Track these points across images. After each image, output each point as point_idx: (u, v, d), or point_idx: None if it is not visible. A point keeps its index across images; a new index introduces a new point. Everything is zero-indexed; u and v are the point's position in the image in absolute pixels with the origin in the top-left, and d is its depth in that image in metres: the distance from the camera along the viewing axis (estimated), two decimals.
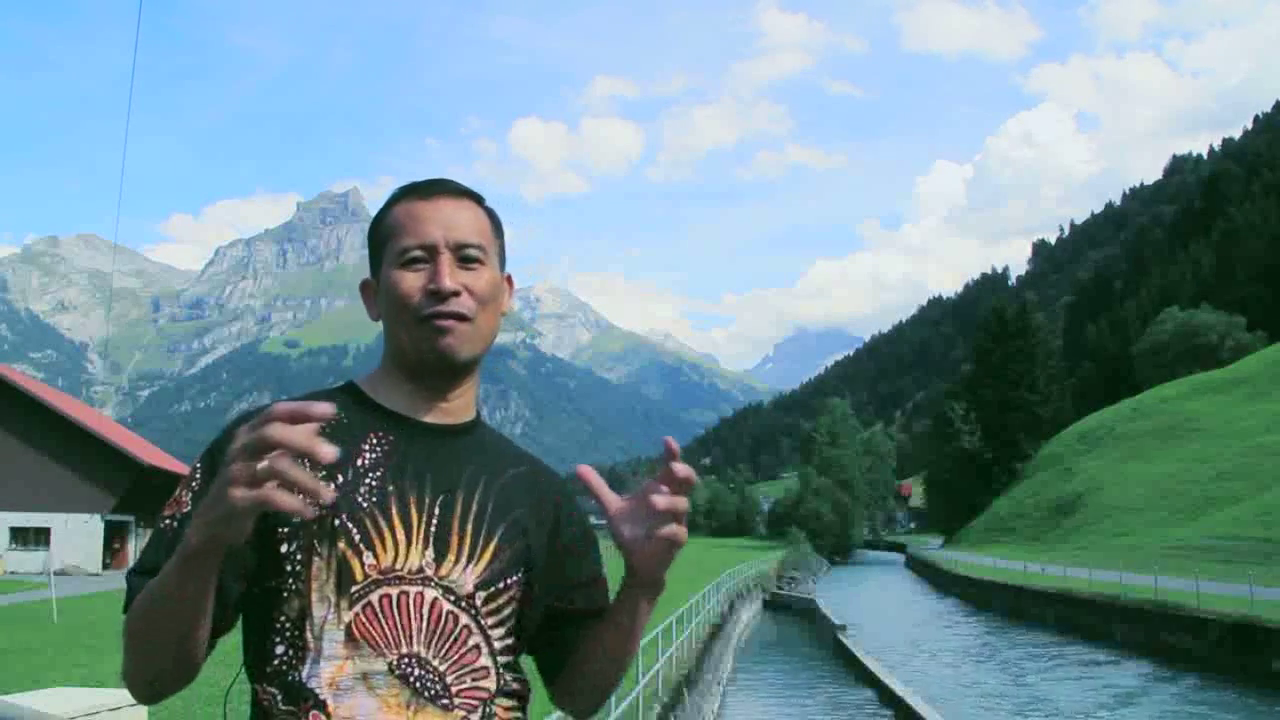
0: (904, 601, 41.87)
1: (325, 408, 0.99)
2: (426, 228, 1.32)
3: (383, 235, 1.36)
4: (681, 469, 1.18)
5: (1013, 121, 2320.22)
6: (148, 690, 1.22)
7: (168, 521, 1.26)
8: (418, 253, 1.31)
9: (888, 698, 16.95)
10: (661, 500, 1.19)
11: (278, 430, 0.96)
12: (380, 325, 1.38)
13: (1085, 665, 21.97)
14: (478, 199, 1.40)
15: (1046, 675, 20.88)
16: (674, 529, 1.20)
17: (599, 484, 1.25)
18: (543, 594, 1.37)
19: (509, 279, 1.44)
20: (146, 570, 1.22)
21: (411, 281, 1.31)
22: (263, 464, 0.97)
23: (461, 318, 1.31)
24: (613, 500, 1.24)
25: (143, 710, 6.88)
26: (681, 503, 1.19)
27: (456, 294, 1.30)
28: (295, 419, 0.98)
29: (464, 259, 1.33)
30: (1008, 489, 66.64)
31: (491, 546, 1.30)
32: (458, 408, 1.37)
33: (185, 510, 1.25)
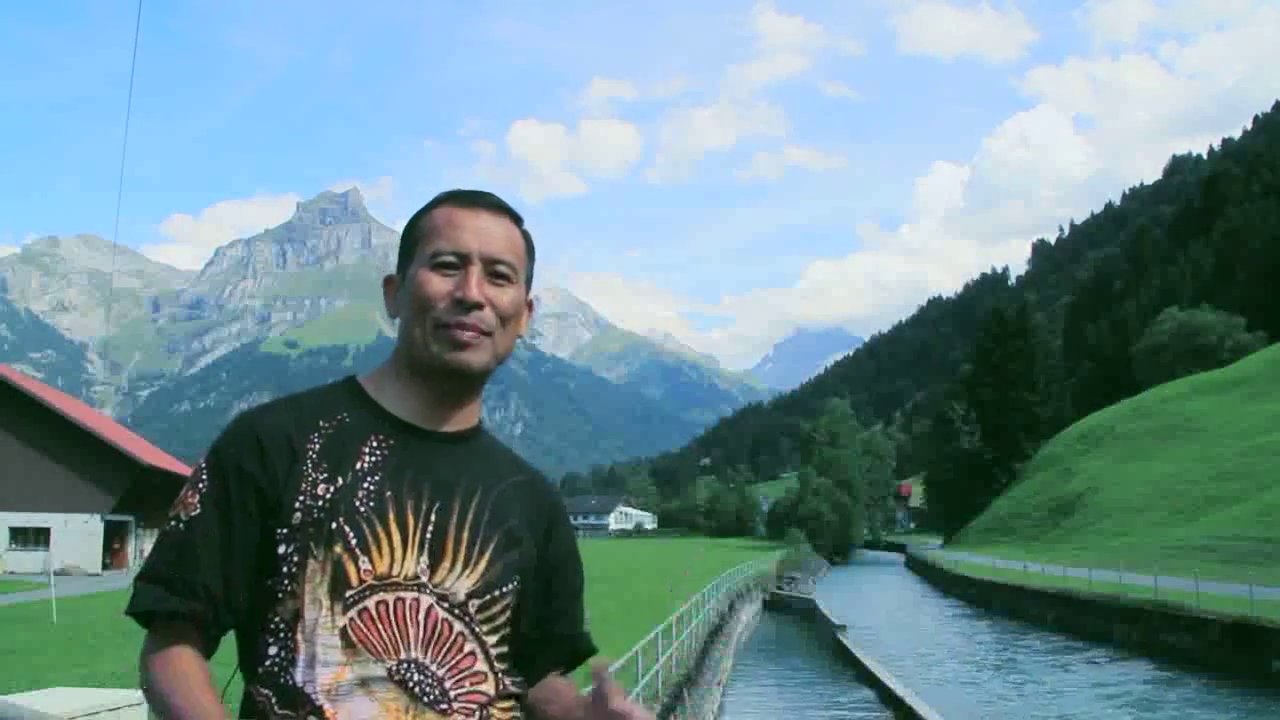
0: (904, 602, 41.85)
1: None
2: (464, 236, 1.34)
3: (418, 235, 1.38)
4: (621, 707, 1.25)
5: (1010, 123, 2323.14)
6: None
7: (174, 524, 1.27)
8: (450, 258, 1.33)
9: (888, 698, 16.93)
10: None
11: None
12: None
13: (1086, 666, 21.95)
14: (517, 219, 1.42)
15: (1047, 676, 20.86)
16: None
17: (609, 687, 1.27)
18: (530, 605, 1.40)
19: (530, 303, 1.44)
20: (156, 578, 1.24)
21: (439, 285, 1.32)
22: None
23: (481, 331, 1.32)
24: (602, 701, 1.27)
25: (142, 711, 6.88)
26: None
27: (480, 307, 1.32)
28: None
29: (494, 274, 1.35)
30: (1008, 489, 66.66)
31: (486, 555, 1.32)
32: (460, 416, 1.38)
33: (194, 512, 1.26)
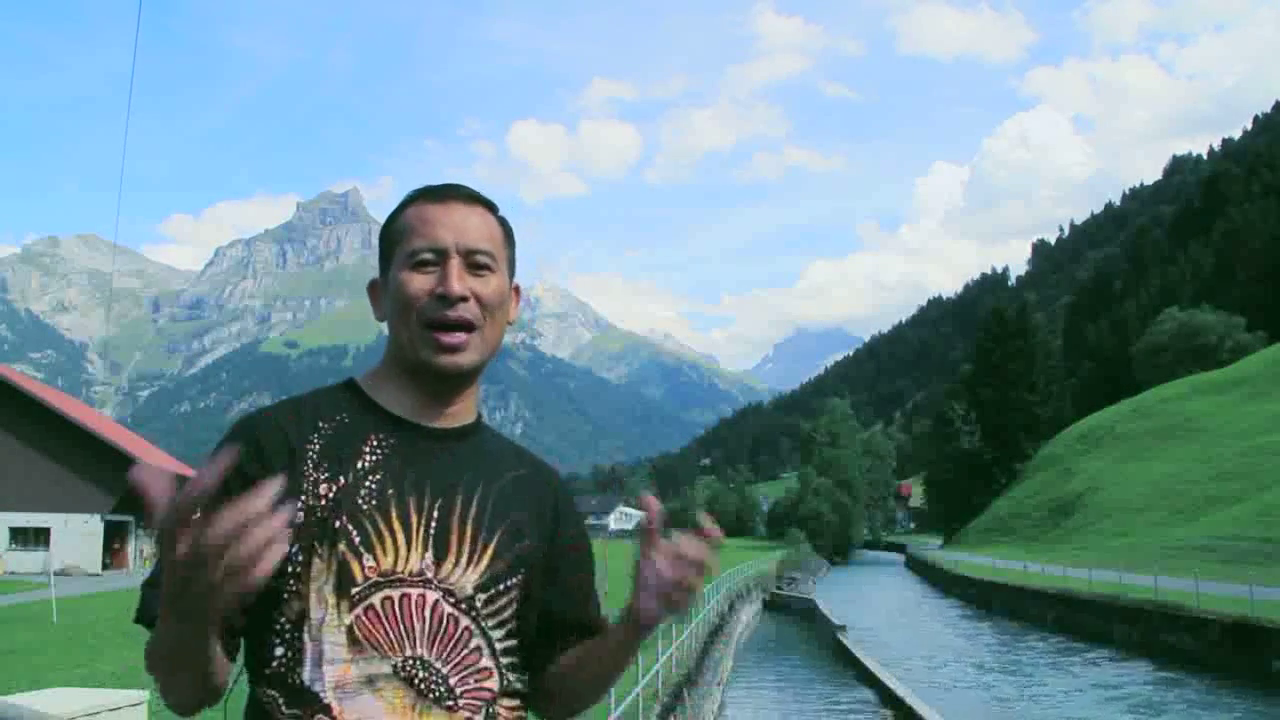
0: (904, 603, 41.85)
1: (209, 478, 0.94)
2: (438, 231, 1.32)
3: (393, 237, 1.37)
4: (709, 544, 1.23)
5: (1010, 123, 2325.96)
6: (181, 709, 1.24)
7: None
8: (428, 255, 1.32)
9: (888, 698, 16.94)
10: (691, 578, 1.22)
11: (217, 537, 0.94)
12: (382, 326, 1.38)
13: (1086, 666, 21.95)
14: (491, 206, 1.40)
15: (1048, 677, 20.87)
16: (686, 600, 1.24)
17: (656, 520, 1.25)
18: (539, 595, 1.38)
19: (516, 289, 1.43)
20: (157, 583, 1.21)
21: (420, 284, 1.31)
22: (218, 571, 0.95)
23: (468, 325, 1.32)
24: (655, 538, 1.25)
25: (142, 710, 6.89)
26: (699, 583, 1.24)
27: (464, 299, 1.31)
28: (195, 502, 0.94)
29: (474, 265, 1.33)
30: (1007, 489, 66.63)
31: (490, 549, 1.31)
32: (458, 411, 1.38)
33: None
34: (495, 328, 1.36)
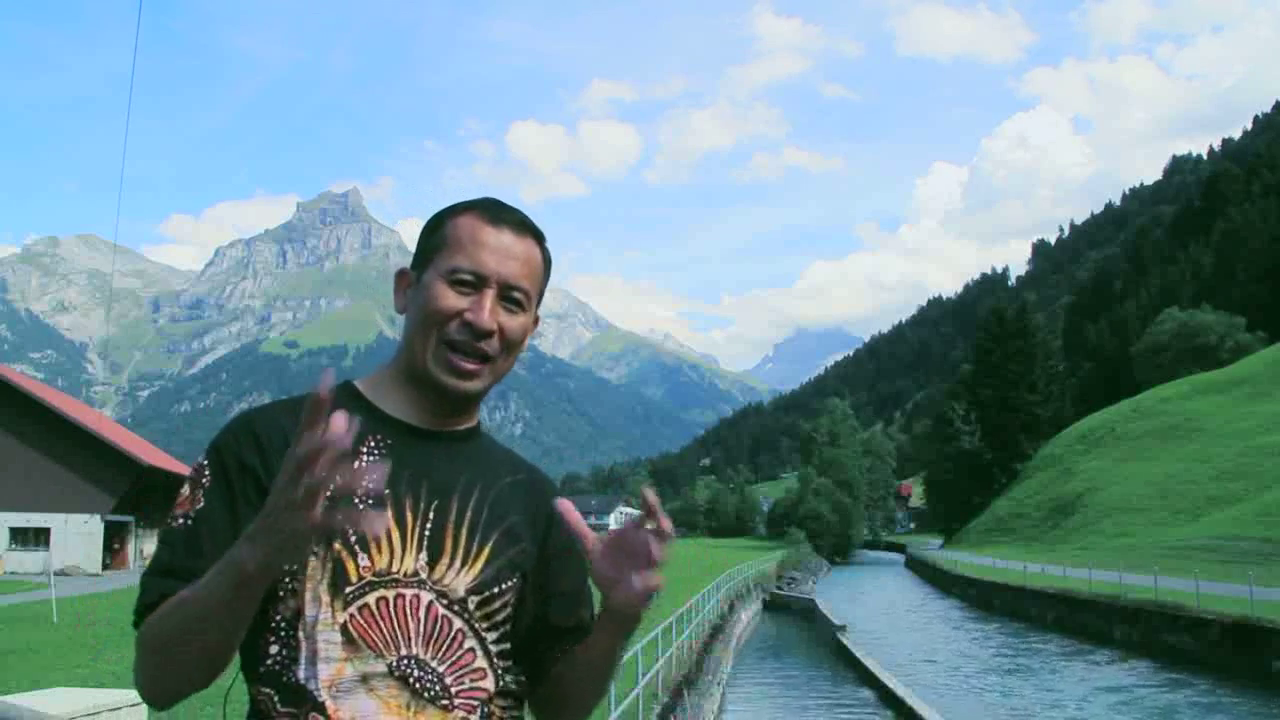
0: (905, 603, 41.80)
1: (339, 427, 0.99)
2: (484, 256, 1.32)
3: (439, 240, 1.36)
4: (666, 524, 1.21)
5: (1009, 124, 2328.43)
6: (167, 695, 1.21)
7: (180, 520, 1.25)
8: (467, 277, 1.31)
9: (888, 698, 16.93)
10: (655, 550, 1.20)
11: (325, 461, 0.99)
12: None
13: (1086, 666, 21.94)
14: (539, 238, 1.40)
15: (1047, 677, 20.86)
16: (658, 578, 1.22)
17: (576, 519, 1.26)
18: (534, 599, 1.39)
19: (536, 319, 1.43)
20: (162, 571, 1.22)
21: (452, 302, 1.31)
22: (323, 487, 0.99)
23: (485, 358, 1.33)
24: (591, 537, 1.25)
25: (141, 710, 6.88)
26: (666, 553, 1.22)
27: (489, 335, 1.31)
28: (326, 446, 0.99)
29: (508, 299, 1.34)
30: (1007, 489, 66.62)
31: (485, 552, 1.32)
32: (458, 419, 1.40)
33: (199, 506, 1.25)
34: (509, 361, 1.37)
